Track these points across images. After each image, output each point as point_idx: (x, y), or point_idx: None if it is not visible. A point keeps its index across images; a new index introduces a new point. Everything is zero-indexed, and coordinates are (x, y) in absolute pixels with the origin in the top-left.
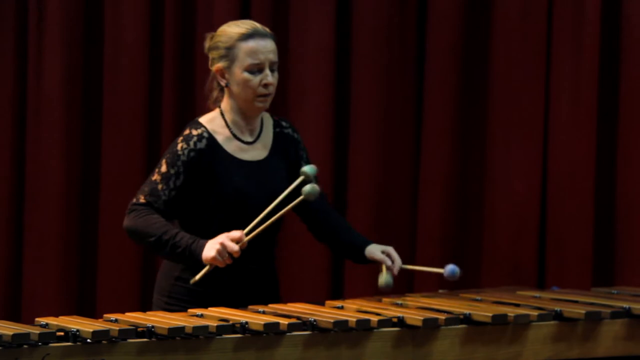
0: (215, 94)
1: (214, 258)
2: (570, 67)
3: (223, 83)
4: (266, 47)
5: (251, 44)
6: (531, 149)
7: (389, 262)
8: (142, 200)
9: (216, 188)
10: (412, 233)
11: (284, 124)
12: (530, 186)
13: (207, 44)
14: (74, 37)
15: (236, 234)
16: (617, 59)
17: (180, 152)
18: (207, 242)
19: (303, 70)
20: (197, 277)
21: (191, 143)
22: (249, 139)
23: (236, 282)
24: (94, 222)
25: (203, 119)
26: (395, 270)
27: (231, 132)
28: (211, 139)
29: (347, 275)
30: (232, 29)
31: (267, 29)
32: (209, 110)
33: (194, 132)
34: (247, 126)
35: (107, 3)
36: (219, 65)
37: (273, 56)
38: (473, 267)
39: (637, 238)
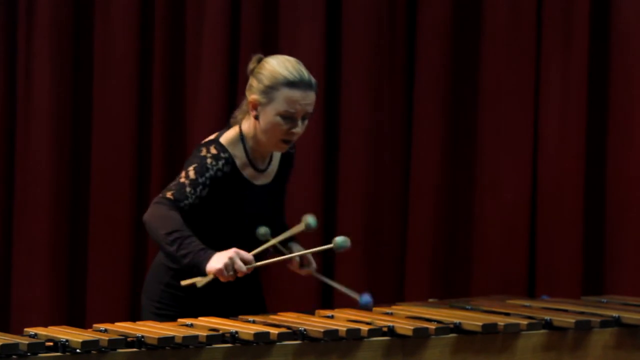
0: (243, 108)
1: (219, 270)
2: (559, 76)
3: (253, 114)
4: (306, 100)
5: (293, 93)
6: (521, 159)
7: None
8: (168, 195)
9: (233, 211)
10: (402, 243)
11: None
12: (519, 196)
13: (251, 66)
14: (63, 44)
15: (247, 255)
16: (606, 68)
17: (209, 166)
18: (215, 253)
19: None
20: (189, 281)
21: (220, 164)
22: (262, 167)
23: (225, 291)
24: (83, 232)
25: (226, 142)
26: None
27: (248, 159)
28: (234, 165)
29: None
30: (281, 69)
31: (313, 78)
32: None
33: (222, 155)
34: (262, 154)
35: (97, 11)
36: (255, 97)
37: (310, 108)
38: (463, 276)
39: (627, 247)
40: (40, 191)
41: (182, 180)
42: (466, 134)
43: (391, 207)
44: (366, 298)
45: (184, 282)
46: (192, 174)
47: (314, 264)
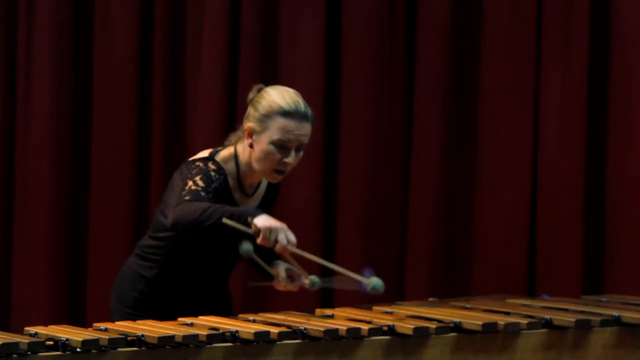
0: (239, 134)
1: (267, 228)
2: (559, 76)
3: (248, 142)
4: (300, 130)
5: (287, 123)
6: (521, 159)
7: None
8: (187, 199)
9: (217, 233)
10: (402, 243)
11: None
12: (519, 196)
13: (250, 96)
14: (63, 44)
15: (293, 237)
16: (606, 68)
17: (214, 178)
18: (265, 213)
19: (293, 82)
20: (232, 223)
21: (221, 178)
22: (249, 192)
23: (195, 297)
24: (83, 232)
25: (221, 161)
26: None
27: (238, 183)
28: (227, 184)
29: None
30: (277, 98)
31: (309, 110)
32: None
33: (221, 172)
34: (252, 182)
35: (97, 11)
36: (251, 125)
37: (304, 139)
38: (463, 275)
39: (627, 247)
40: (40, 191)
41: (194, 187)
42: (466, 134)
43: (391, 207)
44: (371, 278)
45: (226, 221)
46: (200, 182)
47: (303, 278)
